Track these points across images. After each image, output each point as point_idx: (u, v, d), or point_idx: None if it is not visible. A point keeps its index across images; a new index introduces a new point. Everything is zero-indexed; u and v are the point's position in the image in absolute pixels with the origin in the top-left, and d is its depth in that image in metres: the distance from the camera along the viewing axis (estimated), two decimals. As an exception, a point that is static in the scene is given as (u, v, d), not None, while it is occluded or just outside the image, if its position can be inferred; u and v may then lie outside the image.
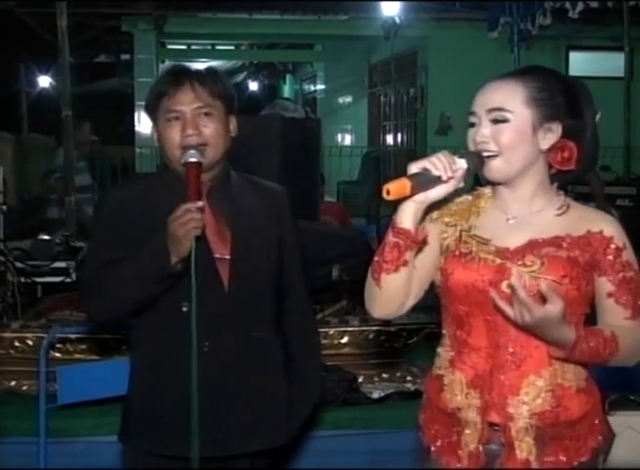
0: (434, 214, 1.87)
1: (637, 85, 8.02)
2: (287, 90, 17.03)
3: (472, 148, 1.80)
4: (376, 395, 3.37)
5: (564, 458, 1.77)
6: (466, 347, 1.81)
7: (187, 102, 2.10)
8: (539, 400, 1.75)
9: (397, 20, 9.13)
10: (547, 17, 6.54)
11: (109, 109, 17.06)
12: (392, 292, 1.79)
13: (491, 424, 1.79)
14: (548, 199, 1.83)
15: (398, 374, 3.49)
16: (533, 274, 1.73)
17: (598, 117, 1.86)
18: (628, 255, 1.78)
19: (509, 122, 1.76)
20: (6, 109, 13.07)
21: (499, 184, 1.84)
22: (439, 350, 1.90)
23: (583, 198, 6.42)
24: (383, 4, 9.12)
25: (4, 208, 4.39)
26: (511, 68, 6.57)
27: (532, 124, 1.77)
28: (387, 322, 3.43)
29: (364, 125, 13.42)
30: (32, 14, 10.47)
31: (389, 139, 12.63)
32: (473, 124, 1.81)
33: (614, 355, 1.72)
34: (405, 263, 1.74)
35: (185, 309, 2.03)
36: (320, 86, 15.15)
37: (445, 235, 1.85)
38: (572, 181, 1.91)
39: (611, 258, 1.76)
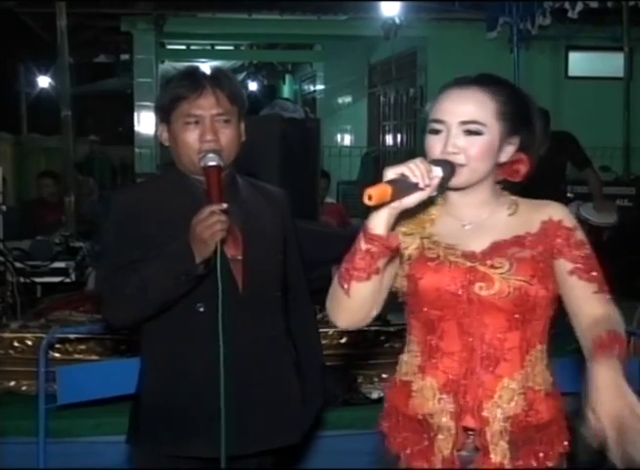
0: None
1: (636, 85, 8.02)
2: (286, 90, 17.03)
3: (436, 156, 1.76)
4: (375, 395, 3.37)
5: (534, 463, 1.77)
6: (437, 351, 1.78)
7: (208, 107, 2.11)
8: (512, 404, 1.75)
9: (397, 20, 9.13)
10: (546, 17, 6.54)
11: (108, 109, 17.09)
12: (362, 301, 1.73)
13: (465, 429, 1.77)
14: (496, 201, 1.84)
15: (398, 374, 3.49)
16: (504, 276, 1.73)
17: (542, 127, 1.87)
18: (580, 234, 1.79)
19: (482, 135, 1.75)
20: (5, 109, 13.08)
21: (452, 190, 1.82)
22: (404, 356, 1.87)
23: (583, 197, 6.41)
24: (383, 4, 9.12)
25: (3, 208, 4.40)
26: (511, 68, 6.62)
27: (500, 138, 1.77)
28: (386, 322, 3.43)
29: (364, 125, 13.42)
30: (32, 14, 10.47)
31: (389, 139, 12.63)
32: (437, 132, 1.77)
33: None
34: (377, 271, 1.69)
35: (202, 310, 2.06)
36: (320, 86, 15.14)
37: (405, 244, 1.82)
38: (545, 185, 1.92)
39: (564, 238, 1.77)
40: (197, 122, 2.11)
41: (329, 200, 7.47)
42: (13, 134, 11.71)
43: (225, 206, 1.99)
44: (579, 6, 6.19)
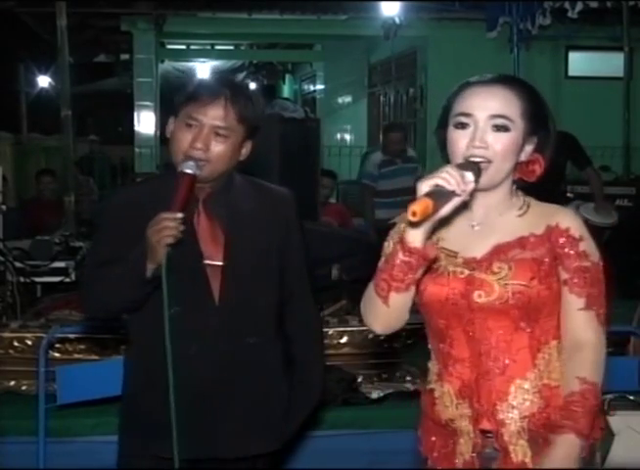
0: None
1: (637, 85, 8.02)
2: (286, 90, 17.02)
3: (461, 150, 1.76)
4: (375, 395, 3.37)
5: None
6: (450, 358, 1.83)
7: (211, 117, 2.07)
8: (528, 403, 1.77)
9: (397, 20, 9.14)
10: (546, 17, 6.54)
11: (108, 109, 17.08)
12: (400, 310, 1.76)
13: (484, 431, 1.80)
14: (509, 201, 1.85)
15: (398, 374, 3.49)
16: (502, 281, 1.75)
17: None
18: (586, 245, 1.78)
19: (510, 132, 1.76)
20: (5, 108, 13.08)
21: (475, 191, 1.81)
22: (429, 364, 1.92)
23: (583, 197, 6.41)
24: (383, 4, 9.13)
25: (3, 208, 4.39)
26: (510, 68, 6.62)
27: (523, 136, 1.79)
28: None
29: (364, 125, 13.41)
30: (32, 14, 10.47)
31: (389, 139, 12.61)
32: (464, 126, 1.77)
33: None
34: (415, 281, 1.72)
35: (177, 313, 2.03)
36: (319, 86, 15.13)
37: None
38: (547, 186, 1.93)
39: (567, 247, 1.77)
40: (194, 126, 2.08)
41: (331, 200, 7.46)
42: (13, 134, 11.71)
43: (180, 215, 1.97)
44: (579, 6, 6.19)
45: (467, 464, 1.81)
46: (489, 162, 1.74)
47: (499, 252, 1.78)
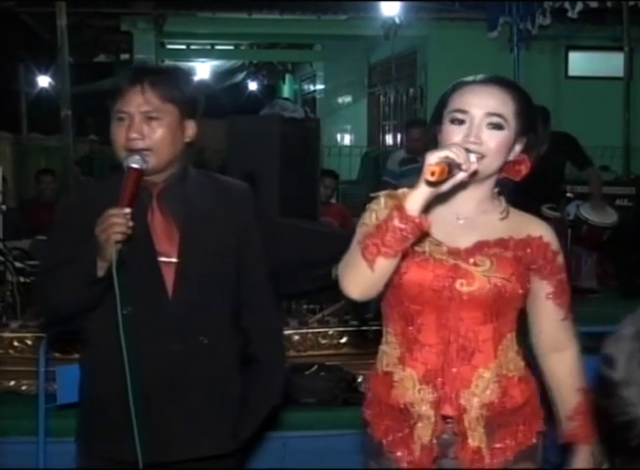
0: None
1: (636, 85, 8.02)
2: (286, 90, 17.03)
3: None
4: (375, 394, 3.36)
5: (512, 443, 1.88)
6: (416, 343, 1.87)
7: (134, 104, 2.05)
8: (488, 391, 1.85)
9: (397, 20, 9.13)
10: (546, 17, 6.55)
11: (108, 108, 17.04)
12: (382, 275, 1.76)
13: (444, 417, 1.86)
14: (492, 202, 1.91)
15: (398, 374, 3.49)
16: (485, 273, 1.82)
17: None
18: (561, 258, 1.92)
19: (504, 130, 1.83)
20: (5, 108, 13.07)
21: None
22: (385, 347, 1.96)
23: (583, 197, 6.40)
24: (383, 4, 9.12)
25: (3, 207, 4.39)
26: (511, 68, 6.63)
27: (515, 136, 1.85)
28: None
29: (364, 125, 13.42)
30: (32, 13, 10.47)
31: (389, 139, 12.63)
32: (460, 122, 1.82)
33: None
34: (404, 250, 1.73)
35: (128, 313, 2.00)
36: (319, 86, 15.15)
37: None
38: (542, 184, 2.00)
39: (548, 261, 1.89)
40: (124, 119, 2.05)
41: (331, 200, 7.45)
42: (13, 134, 11.69)
43: (128, 210, 1.94)
44: (579, 6, 6.19)
45: (425, 448, 1.86)
46: (483, 156, 1.79)
47: (482, 247, 1.85)
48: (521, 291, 1.86)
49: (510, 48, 6.92)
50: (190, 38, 13.64)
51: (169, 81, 2.09)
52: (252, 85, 17.56)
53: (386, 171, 6.76)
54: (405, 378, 1.87)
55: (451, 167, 1.66)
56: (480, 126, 1.81)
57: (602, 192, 5.68)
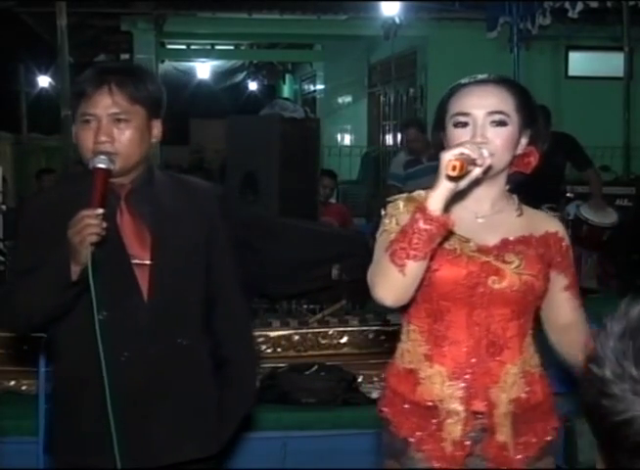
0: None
1: (636, 85, 8.02)
2: (286, 90, 17.03)
3: None
4: (375, 394, 3.36)
5: (533, 439, 1.92)
6: (444, 340, 1.88)
7: (103, 106, 1.99)
8: (515, 387, 1.88)
9: (397, 20, 9.13)
10: (546, 17, 6.54)
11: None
12: (415, 279, 1.76)
13: (474, 412, 1.88)
14: (506, 201, 1.95)
15: (398, 374, 3.49)
16: (516, 270, 1.86)
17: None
18: (571, 251, 1.99)
19: (507, 126, 1.86)
20: (5, 108, 13.07)
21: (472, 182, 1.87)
22: (407, 345, 1.95)
23: (583, 197, 6.40)
24: (383, 4, 9.12)
25: (3, 207, 4.39)
26: (511, 68, 6.63)
27: (519, 130, 1.89)
28: (386, 322, 3.43)
29: (364, 125, 13.41)
30: (32, 13, 10.46)
31: (389, 139, 12.62)
32: (464, 124, 1.86)
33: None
34: (433, 250, 1.74)
35: (102, 318, 1.95)
36: (320, 86, 15.14)
37: None
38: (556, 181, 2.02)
39: (564, 256, 1.95)
40: (92, 121, 2.00)
41: (330, 200, 7.44)
42: (13, 134, 11.70)
43: (100, 211, 1.89)
44: (579, 6, 6.18)
45: (456, 444, 1.87)
46: (491, 154, 1.80)
47: (507, 245, 1.89)
48: (544, 288, 1.90)
49: (510, 48, 6.92)
50: (190, 38, 13.63)
51: (136, 81, 2.04)
52: (252, 85, 17.56)
53: (390, 175, 6.73)
54: (433, 375, 1.89)
55: (467, 163, 1.68)
56: (484, 126, 1.84)
57: (602, 192, 5.68)
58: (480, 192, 1.90)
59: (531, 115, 1.91)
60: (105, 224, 1.90)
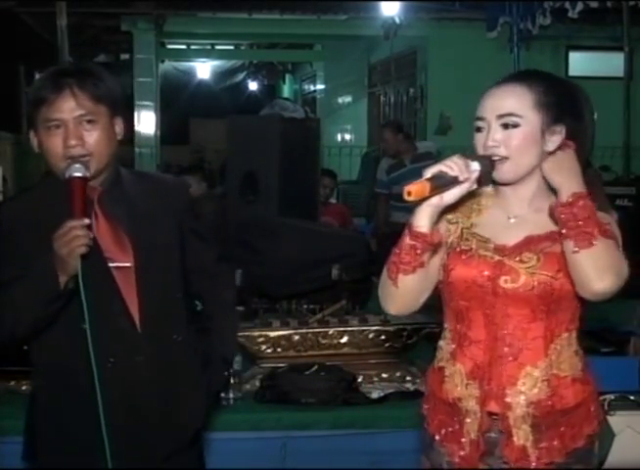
0: None
1: (636, 85, 8.02)
2: (286, 90, 17.03)
3: (481, 152, 1.85)
4: (375, 394, 3.36)
5: (559, 445, 1.85)
6: (466, 339, 1.89)
7: (68, 110, 1.95)
8: (535, 390, 1.84)
9: (397, 20, 9.14)
10: (547, 17, 6.54)
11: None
12: (409, 291, 1.86)
13: (490, 413, 1.86)
14: (547, 199, 1.89)
15: (398, 374, 3.49)
16: (530, 270, 1.82)
17: (595, 117, 1.94)
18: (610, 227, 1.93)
19: (519, 127, 1.83)
20: (5, 109, 13.07)
21: (503, 185, 1.90)
22: (441, 343, 1.98)
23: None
24: (383, 4, 9.13)
25: (3, 207, 4.38)
26: (510, 68, 6.62)
27: (541, 128, 1.84)
28: (386, 322, 3.44)
29: (364, 125, 13.42)
30: (32, 13, 10.47)
31: (389, 139, 12.61)
32: (480, 129, 1.87)
33: (599, 239, 1.80)
34: (422, 265, 1.81)
35: (86, 327, 1.91)
36: (320, 86, 15.14)
37: (449, 232, 1.93)
38: None
39: None
40: (58, 127, 1.96)
41: (330, 200, 7.45)
42: (13, 134, 11.69)
43: (87, 221, 1.87)
44: (579, 6, 6.18)
45: (473, 443, 1.87)
46: (505, 158, 1.82)
47: (529, 242, 1.86)
48: (570, 286, 1.81)
49: (510, 48, 6.92)
50: (190, 38, 13.63)
51: (96, 81, 2.01)
52: (252, 85, 17.56)
53: (377, 182, 6.75)
54: (455, 373, 1.90)
55: (439, 182, 1.71)
56: (496, 129, 1.83)
57: (604, 191, 5.67)
58: (513, 194, 1.90)
59: (565, 109, 1.87)
60: (92, 235, 1.88)
